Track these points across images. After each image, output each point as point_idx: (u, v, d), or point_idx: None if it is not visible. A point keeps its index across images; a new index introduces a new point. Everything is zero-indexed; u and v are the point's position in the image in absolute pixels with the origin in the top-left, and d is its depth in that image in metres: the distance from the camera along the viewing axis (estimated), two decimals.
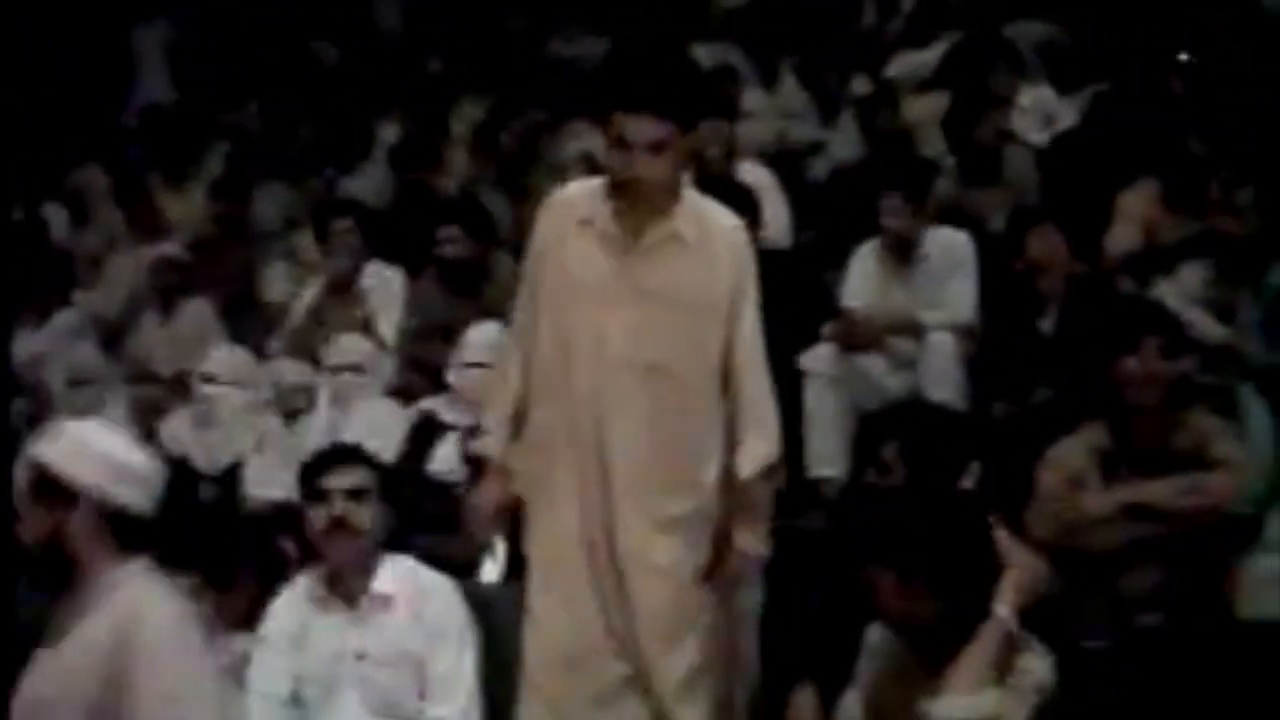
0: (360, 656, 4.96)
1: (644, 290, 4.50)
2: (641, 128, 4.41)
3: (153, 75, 12.42)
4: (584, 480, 4.47)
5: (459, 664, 4.98)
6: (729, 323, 4.55)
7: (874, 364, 7.15)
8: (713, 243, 4.58)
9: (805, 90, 10.24)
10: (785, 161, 9.62)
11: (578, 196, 4.68)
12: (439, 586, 5.10)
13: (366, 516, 5.02)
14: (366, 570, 5.02)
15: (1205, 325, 6.55)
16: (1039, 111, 9.23)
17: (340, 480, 5.04)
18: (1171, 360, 5.32)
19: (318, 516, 5.02)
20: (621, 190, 4.51)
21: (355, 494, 5.03)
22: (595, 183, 4.68)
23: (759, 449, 4.56)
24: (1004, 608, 3.97)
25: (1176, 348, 5.37)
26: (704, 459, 4.52)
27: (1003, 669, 3.98)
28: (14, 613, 6.37)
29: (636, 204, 4.52)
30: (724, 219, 4.69)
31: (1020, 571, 4.09)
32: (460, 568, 5.45)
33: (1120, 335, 5.38)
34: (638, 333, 4.47)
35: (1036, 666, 4.11)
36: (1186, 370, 5.53)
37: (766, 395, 4.63)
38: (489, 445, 4.71)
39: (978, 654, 3.95)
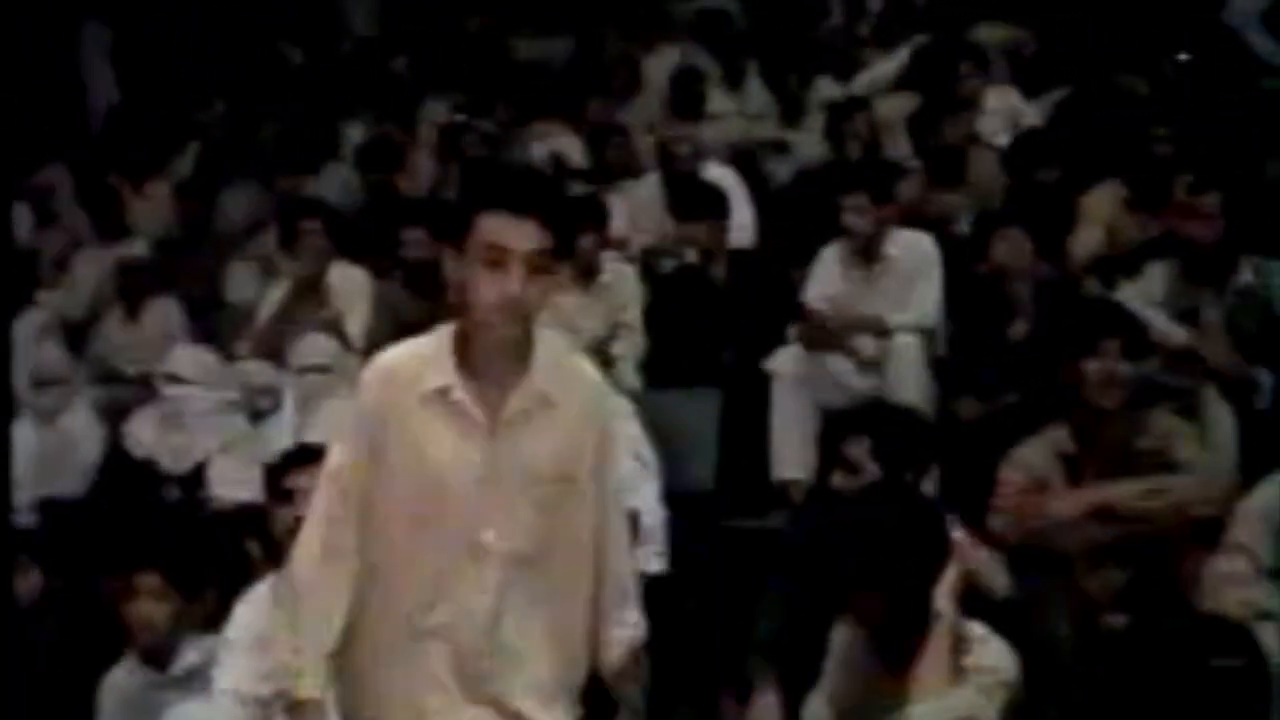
0: None
1: (516, 471, 3.71)
2: (525, 234, 3.59)
3: (96, 77, 12.40)
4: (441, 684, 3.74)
5: None
6: (596, 493, 3.81)
7: (840, 365, 7.17)
8: (575, 399, 3.78)
9: (770, 91, 10.26)
10: (750, 162, 9.67)
11: (416, 363, 3.77)
12: None
13: None
14: None
15: (1168, 328, 6.57)
16: (1005, 114, 9.26)
17: (307, 481, 5.01)
18: (1132, 362, 5.34)
19: (284, 517, 5.01)
20: (477, 339, 3.70)
21: None
22: (430, 344, 3.79)
23: (630, 630, 3.86)
24: (944, 601, 4.00)
25: (1137, 349, 5.39)
26: (582, 658, 3.84)
27: (955, 663, 4.01)
28: (12, 602, 6.39)
29: (496, 356, 3.70)
30: (584, 368, 3.91)
31: (958, 564, 4.12)
32: None
33: (1080, 337, 5.39)
34: (513, 521, 3.70)
35: (1001, 664, 4.14)
36: (1148, 372, 5.56)
37: (630, 570, 3.96)
38: (307, 683, 3.73)
39: (935, 653, 3.98)
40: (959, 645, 4.13)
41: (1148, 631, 4.05)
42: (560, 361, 3.79)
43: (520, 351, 3.70)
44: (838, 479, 5.18)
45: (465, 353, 3.70)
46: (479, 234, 3.60)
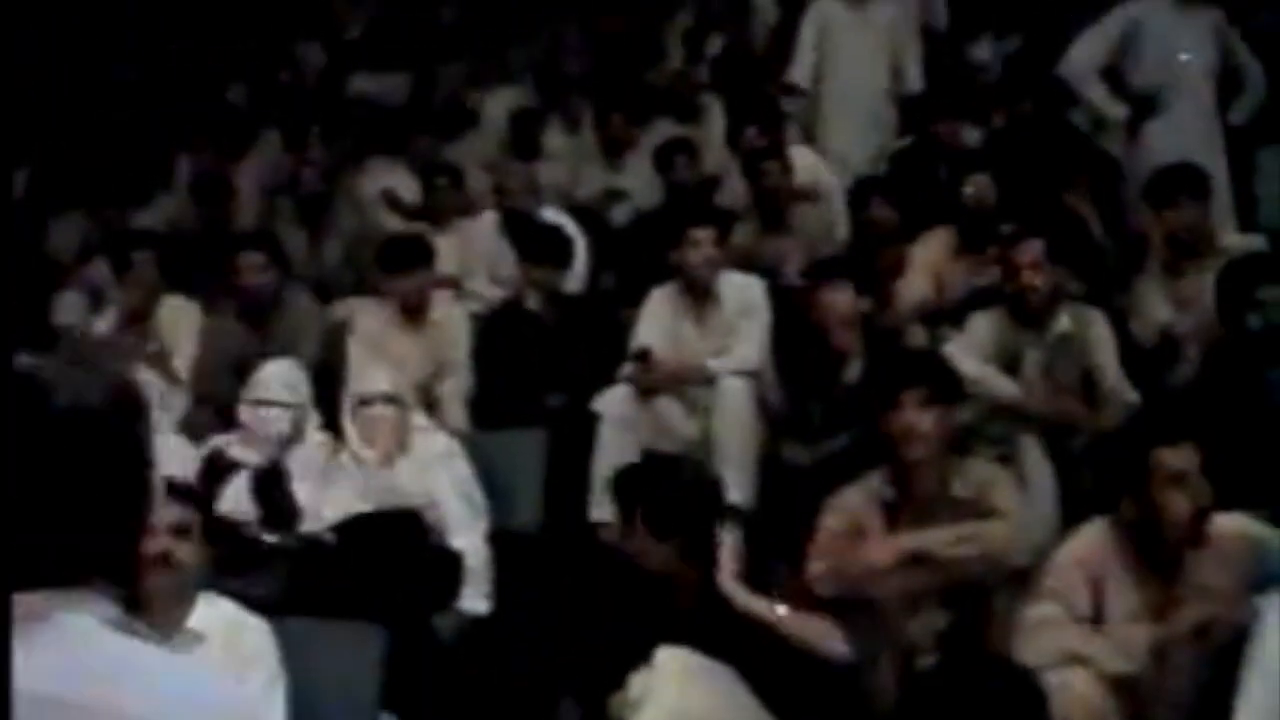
0: None
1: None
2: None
3: None
4: None
5: (269, 703, 4.94)
6: None
7: (668, 409, 7.20)
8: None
9: (601, 134, 10.26)
10: (587, 204, 9.71)
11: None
12: (253, 625, 5.05)
13: (189, 553, 4.97)
14: (184, 607, 4.97)
15: (994, 381, 6.64)
16: (807, 170, 9.28)
17: (165, 515, 4.98)
18: (938, 410, 5.40)
19: (142, 550, 4.95)
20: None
21: (180, 530, 4.97)
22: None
23: None
24: None
25: (941, 398, 5.45)
26: None
27: None
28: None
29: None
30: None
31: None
32: (254, 607, 5.40)
33: (885, 389, 5.47)
34: None
35: None
36: (955, 422, 5.60)
37: None
38: None
39: None
40: None
41: (946, 676, 4.11)
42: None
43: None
44: (633, 541, 5.13)
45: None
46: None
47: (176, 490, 5.19)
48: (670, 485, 5.03)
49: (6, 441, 1.87)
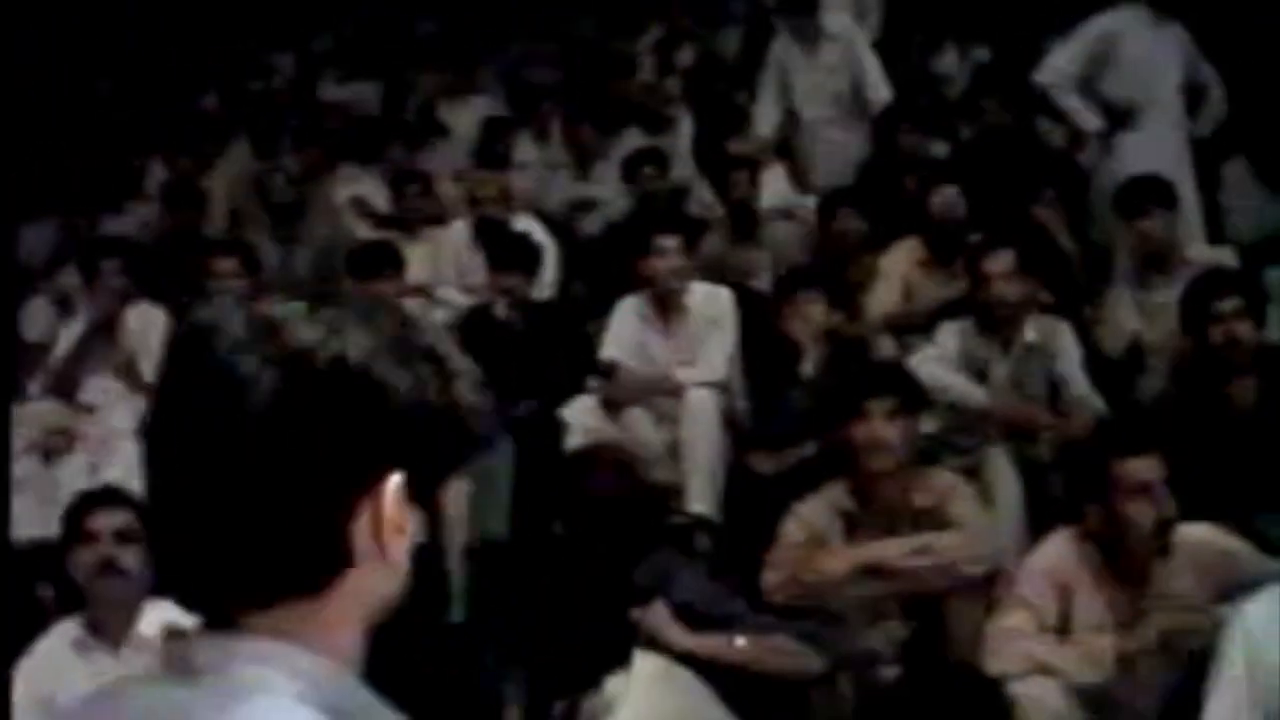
0: None
1: None
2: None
3: None
4: None
5: None
6: None
7: (637, 418, 7.20)
8: None
9: (570, 144, 10.29)
10: (556, 214, 9.72)
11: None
12: None
13: (135, 559, 4.94)
14: (131, 614, 4.95)
15: (962, 389, 6.66)
16: (777, 190, 9.30)
17: (108, 521, 4.96)
18: (903, 421, 5.43)
19: (85, 558, 4.94)
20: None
21: (123, 535, 4.94)
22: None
23: None
24: None
25: (907, 409, 5.48)
26: None
27: None
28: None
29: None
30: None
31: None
32: None
33: (848, 400, 5.49)
34: None
35: None
36: (919, 432, 5.62)
37: None
38: None
39: None
40: None
41: (909, 686, 4.14)
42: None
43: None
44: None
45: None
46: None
47: (117, 496, 5.15)
48: (574, 478, 5.10)
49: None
